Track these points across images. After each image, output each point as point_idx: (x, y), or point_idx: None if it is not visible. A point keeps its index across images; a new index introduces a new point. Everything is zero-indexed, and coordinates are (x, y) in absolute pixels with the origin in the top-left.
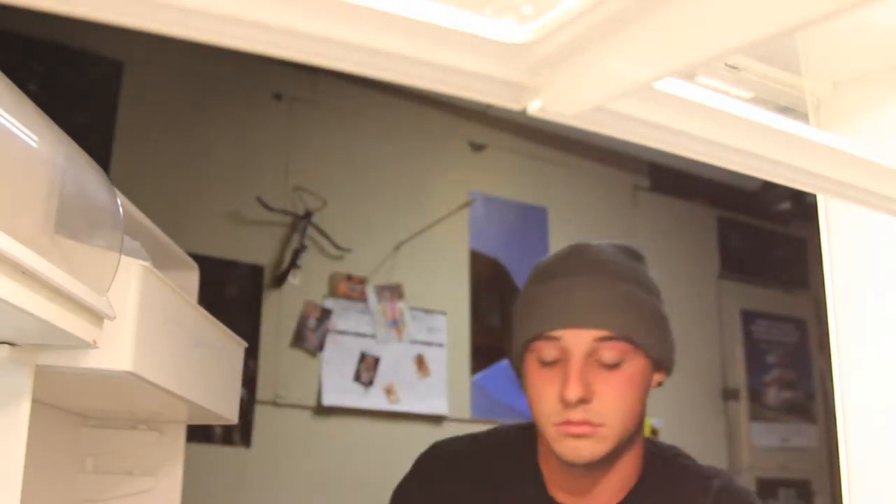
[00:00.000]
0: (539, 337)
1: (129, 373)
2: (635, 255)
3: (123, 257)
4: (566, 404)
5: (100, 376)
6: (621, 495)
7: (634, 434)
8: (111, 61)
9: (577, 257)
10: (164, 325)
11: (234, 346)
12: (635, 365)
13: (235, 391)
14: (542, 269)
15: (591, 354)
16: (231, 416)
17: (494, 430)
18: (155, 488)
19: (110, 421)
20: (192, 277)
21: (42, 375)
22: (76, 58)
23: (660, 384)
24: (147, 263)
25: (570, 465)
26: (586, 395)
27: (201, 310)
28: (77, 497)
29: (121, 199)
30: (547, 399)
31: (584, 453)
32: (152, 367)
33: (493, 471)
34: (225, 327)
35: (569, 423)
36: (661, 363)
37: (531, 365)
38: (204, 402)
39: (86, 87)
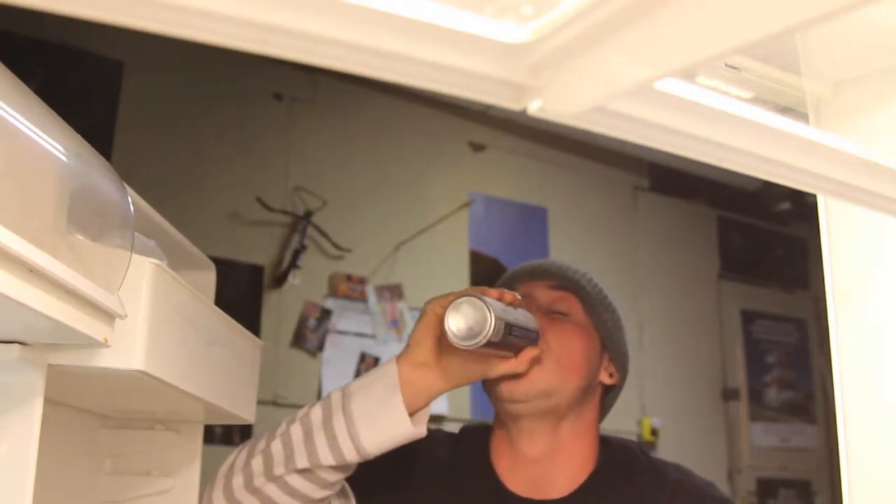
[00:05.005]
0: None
1: (141, 372)
2: None
3: (135, 256)
4: None
5: (113, 375)
6: (575, 485)
7: (576, 395)
8: (111, 61)
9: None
10: (178, 324)
11: (251, 346)
12: (584, 325)
13: (252, 390)
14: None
15: (548, 306)
16: (248, 415)
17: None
18: (173, 488)
19: (129, 421)
20: (208, 277)
21: (56, 375)
22: (76, 58)
23: (610, 376)
24: (159, 262)
25: (512, 415)
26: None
27: (217, 309)
28: (96, 498)
29: (135, 199)
30: None
31: (520, 387)
32: (165, 366)
33: (446, 462)
34: (241, 326)
35: None
36: (611, 352)
37: None
38: (220, 402)
39: (86, 87)
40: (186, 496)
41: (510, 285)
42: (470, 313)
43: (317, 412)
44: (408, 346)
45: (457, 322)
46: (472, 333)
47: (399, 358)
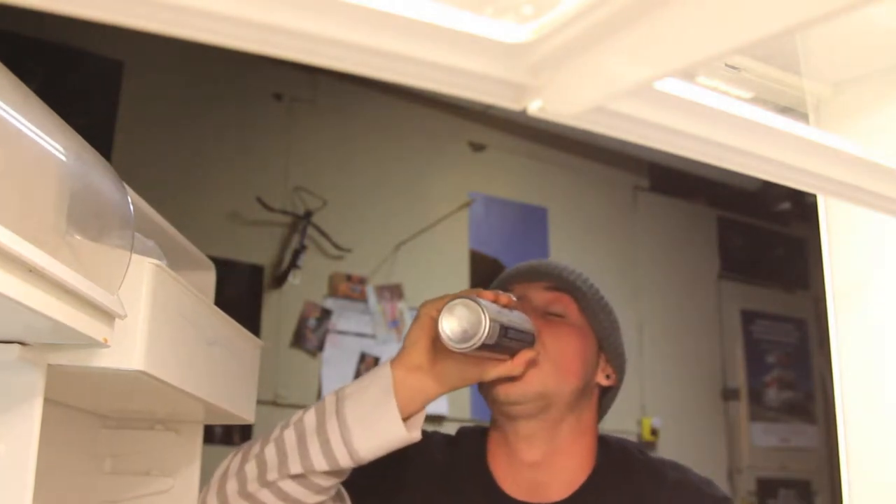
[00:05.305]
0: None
1: (141, 372)
2: None
3: (135, 256)
4: None
5: (112, 375)
6: (573, 488)
7: (573, 397)
8: (111, 61)
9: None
10: (178, 324)
11: (251, 346)
12: (580, 326)
13: (252, 390)
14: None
15: (543, 308)
16: (248, 415)
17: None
18: (172, 488)
19: (128, 422)
20: (208, 277)
21: (56, 376)
22: (76, 58)
23: (607, 377)
24: (159, 262)
25: (508, 417)
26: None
27: (216, 309)
28: (96, 498)
29: (135, 199)
30: None
31: (516, 389)
32: (165, 366)
33: (442, 465)
34: (241, 326)
35: None
36: (608, 353)
37: None
38: (220, 402)
39: (86, 87)
40: (186, 496)
41: (505, 286)
42: (464, 315)
43: (310, 417)
44: (402, 349)
45: (451, 324)
46: (466, 336)
47: (393, 361)
